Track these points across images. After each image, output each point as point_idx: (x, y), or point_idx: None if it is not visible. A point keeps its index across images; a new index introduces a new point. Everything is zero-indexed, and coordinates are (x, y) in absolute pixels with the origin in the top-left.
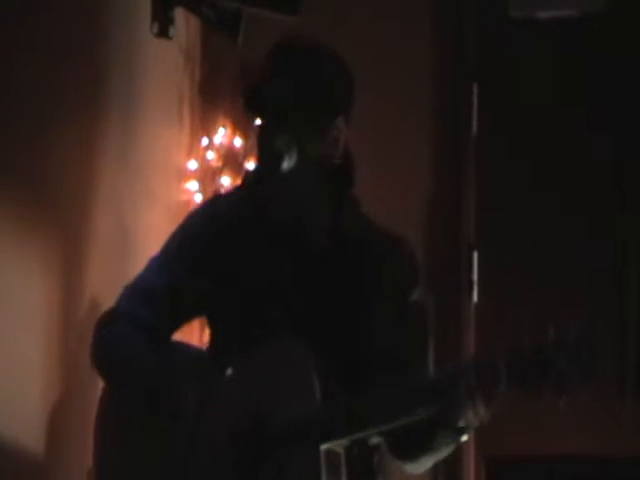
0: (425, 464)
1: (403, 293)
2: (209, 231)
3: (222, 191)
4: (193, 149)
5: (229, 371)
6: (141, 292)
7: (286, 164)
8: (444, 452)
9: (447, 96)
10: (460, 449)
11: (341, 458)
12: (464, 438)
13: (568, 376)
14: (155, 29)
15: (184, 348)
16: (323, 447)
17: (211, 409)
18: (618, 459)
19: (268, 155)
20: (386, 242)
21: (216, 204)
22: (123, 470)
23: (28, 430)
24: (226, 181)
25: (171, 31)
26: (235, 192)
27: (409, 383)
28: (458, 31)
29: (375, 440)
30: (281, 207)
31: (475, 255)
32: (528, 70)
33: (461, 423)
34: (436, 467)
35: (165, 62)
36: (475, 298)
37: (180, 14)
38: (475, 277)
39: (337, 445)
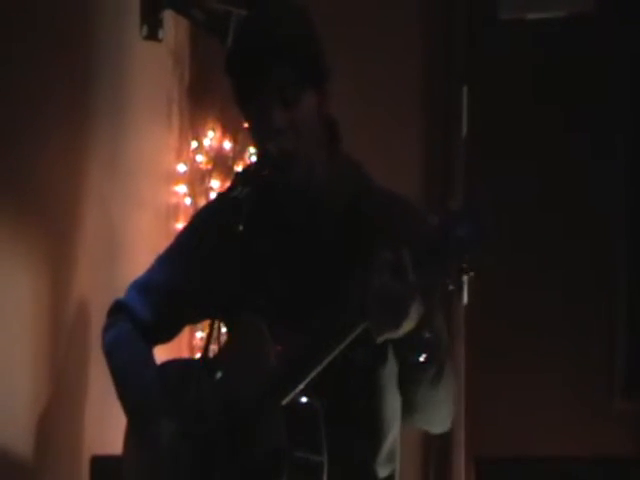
0: (432, 410)
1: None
2: (211, 227)
3: (211, 194)
4: (182, 152)
5: (219, 374)
6: (142, 287)
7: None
8: (431, 388)
9: (437, 98)
10: (450, 449)
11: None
12: (421, 358)
13: (468, 241)
14: (144, 32)
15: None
16: (285, 402)
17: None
18: (607, 459)
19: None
20: (375, 203)
21: (219, 200)
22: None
23: (17, 433)
24: (215, 184)
25: (160, 33)
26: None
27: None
28: (448, 33)
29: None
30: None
31: None
32: (518, 72)
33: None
34: (426, 467)
35: (154, 65)
36: (465, 300)
37: (169, 16)
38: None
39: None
